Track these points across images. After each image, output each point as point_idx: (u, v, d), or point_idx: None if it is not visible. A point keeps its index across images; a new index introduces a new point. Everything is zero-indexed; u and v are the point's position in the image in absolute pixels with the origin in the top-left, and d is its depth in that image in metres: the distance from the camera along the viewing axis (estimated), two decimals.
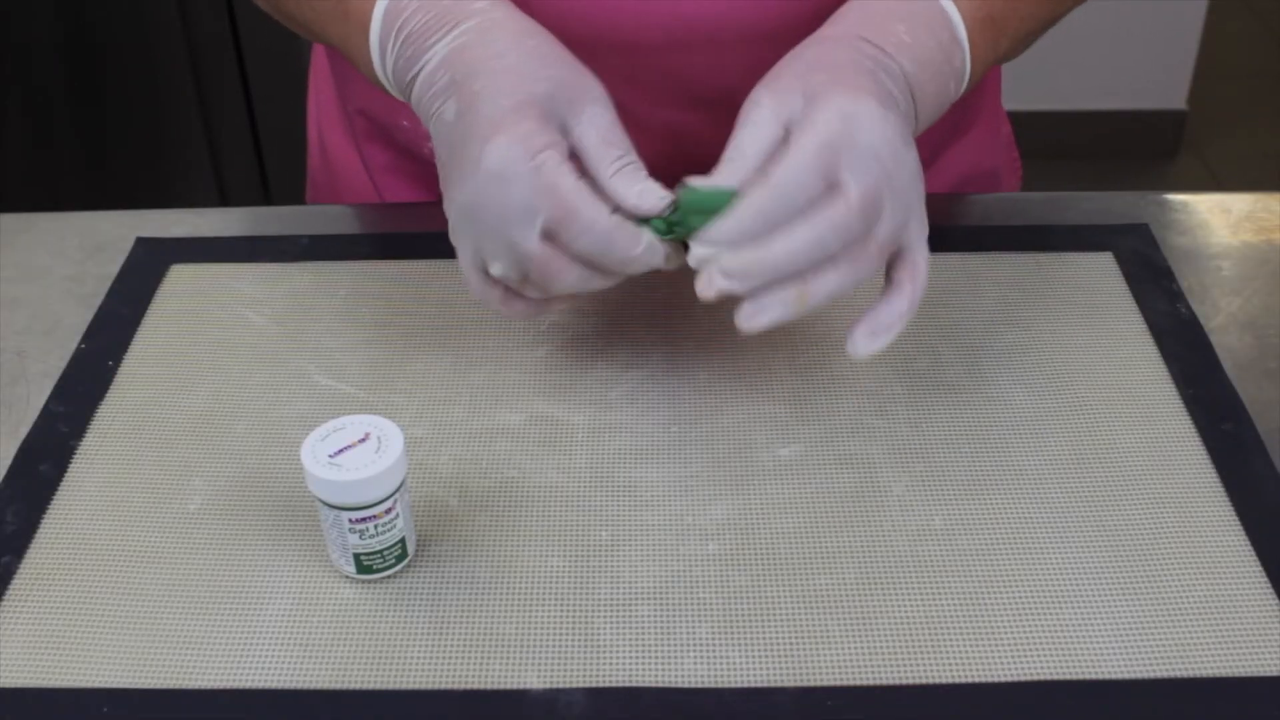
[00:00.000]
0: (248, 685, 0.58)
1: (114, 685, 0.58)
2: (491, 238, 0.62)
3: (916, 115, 0.66)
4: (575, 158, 0.63)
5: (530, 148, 0.61)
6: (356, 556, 0.61)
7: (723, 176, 0.62)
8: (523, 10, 0.67)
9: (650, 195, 0.63)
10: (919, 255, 0.64)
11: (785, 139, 0.62)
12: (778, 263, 0.60)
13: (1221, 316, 0.78)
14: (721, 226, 0.61)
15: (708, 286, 0.61)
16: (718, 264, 0.61)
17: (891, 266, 0.64)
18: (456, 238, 0.65)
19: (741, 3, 0.74)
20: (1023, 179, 1.00)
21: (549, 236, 0.61)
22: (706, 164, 0.64)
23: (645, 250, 0.62)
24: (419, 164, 0.88)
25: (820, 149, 0.60)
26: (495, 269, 0.64)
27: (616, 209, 0.62)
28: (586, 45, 0.67)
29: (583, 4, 0.73)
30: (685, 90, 0.77)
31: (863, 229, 0.61)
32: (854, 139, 0.60)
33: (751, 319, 0.62)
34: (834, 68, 0.63)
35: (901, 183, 0.61)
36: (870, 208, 0.60)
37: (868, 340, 0.65)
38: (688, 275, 0.63)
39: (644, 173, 0.63)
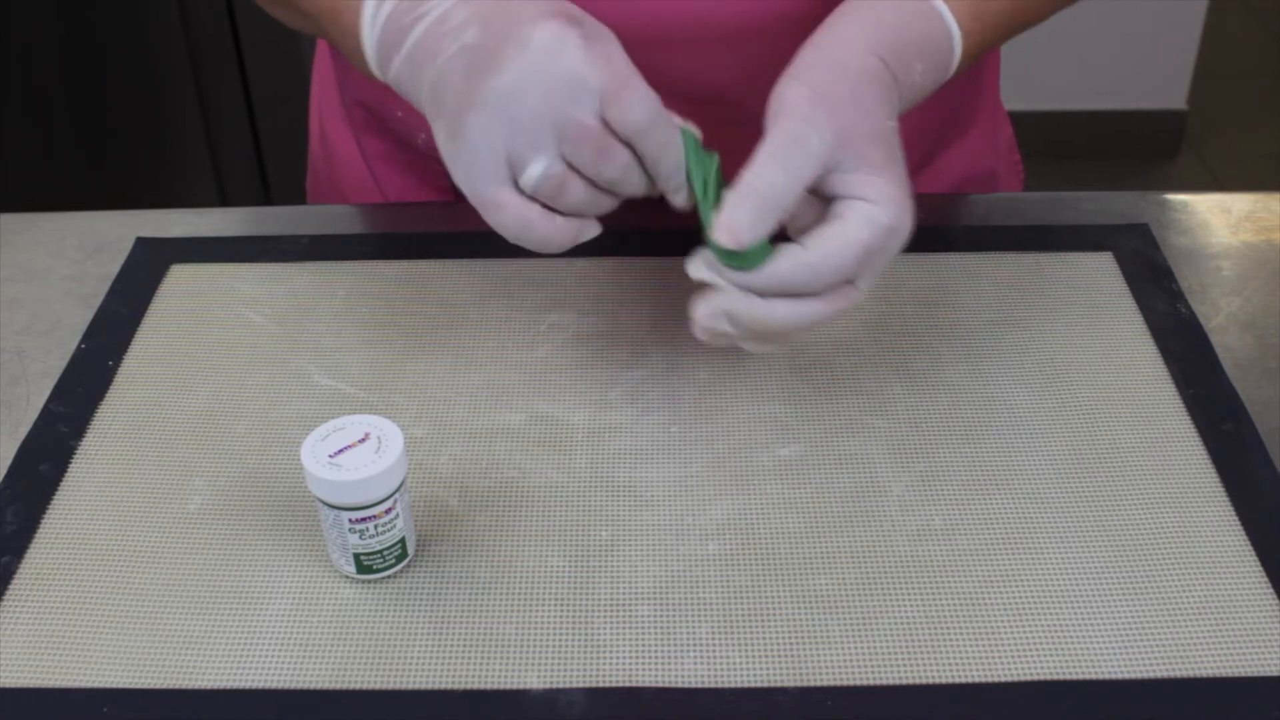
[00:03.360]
0: (248, 685, 0.58)
1: (114, 685, 0.58)
2: (536, 124, 0.60)
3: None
4: None
5: (579, 31, 0.61)
6: (356, 556, 0.61)
7: (757, 219, 0.61)
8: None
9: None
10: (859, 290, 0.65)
11: (823, 192, 0.63)
12: (770, 323, 0.63)
13: (1221, 316, 0.78)
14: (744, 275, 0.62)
15: (700, 306, 0.63)
16: (717, 298, 0.63)
17: None
18: (479, 154, 0.62)
19: (725, 2, 0.73)
20: (1024, 182, 1.00)
21: (602, 112, 0.61)
22: None
23: (679, 152, 0.63)
24: (414, 154, 0.89)
25: (863, 255, 0.62)
26: (535, 168, 0.61)
27: None
28: None
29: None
30: (674, 88, 0.77)
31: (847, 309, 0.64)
32: (886, 251, 0.62)
33: (707, 322, 0.64)
34: (875, 140, 0.63)
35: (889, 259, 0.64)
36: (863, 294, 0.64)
37: None
38: (687, 279, 0.63)
39: None
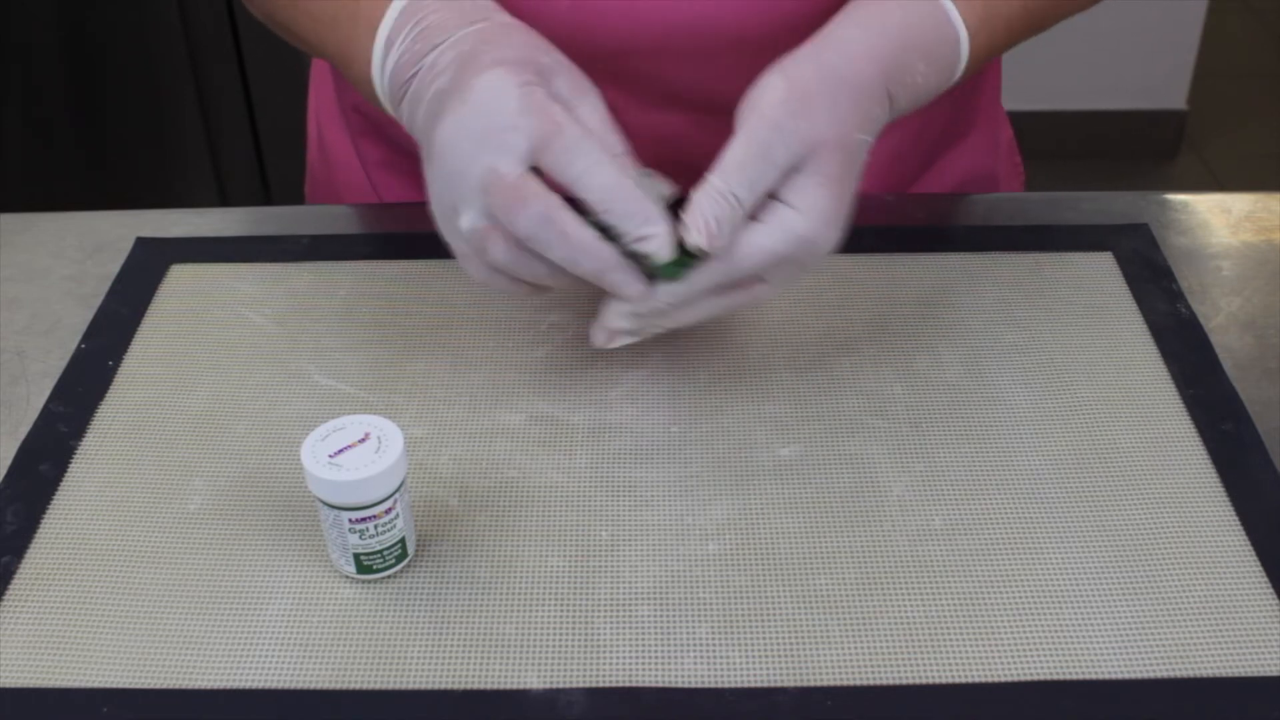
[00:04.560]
0: (248, 685, 0.58)
1: (114, 685, 0.58)
2: (462, 178, 0.61)
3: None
4: None
5: (524, 79, 0.61)
6: (356, 556, 0.61)
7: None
8: (513, 12, 0.67)
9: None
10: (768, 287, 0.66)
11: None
12: (678, 321, 0.66)
13: (1221, 316, 0.78)
14: (672, 292, 0.64)
15: (605, 337, 0.67)
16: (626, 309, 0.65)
17: None
18: (435, 206, 0.64)
19: (729, 9, 0.73)
20: (1024, 183, 1.00)
21: (534, 161, 0.61)
22: (693, 167, 0.64)
23: (638, 202, 0.61)
24: (413, 160, 0.88)
25: (771, 261, 0.63)
26: (462, 222, 0.62)
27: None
28: (575, 48, 0.67)
29: (571, 7, 0.73)
30: (674, 94, 0.77)
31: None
32: (797, 261, 0.64)
33: (609, 340, 0.67)
34: (837, 151, 0.63)
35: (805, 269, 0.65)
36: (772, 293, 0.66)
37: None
38: None
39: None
